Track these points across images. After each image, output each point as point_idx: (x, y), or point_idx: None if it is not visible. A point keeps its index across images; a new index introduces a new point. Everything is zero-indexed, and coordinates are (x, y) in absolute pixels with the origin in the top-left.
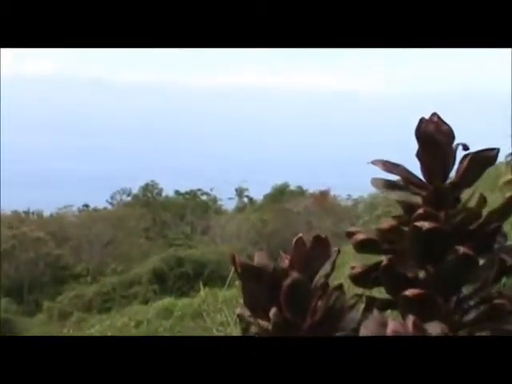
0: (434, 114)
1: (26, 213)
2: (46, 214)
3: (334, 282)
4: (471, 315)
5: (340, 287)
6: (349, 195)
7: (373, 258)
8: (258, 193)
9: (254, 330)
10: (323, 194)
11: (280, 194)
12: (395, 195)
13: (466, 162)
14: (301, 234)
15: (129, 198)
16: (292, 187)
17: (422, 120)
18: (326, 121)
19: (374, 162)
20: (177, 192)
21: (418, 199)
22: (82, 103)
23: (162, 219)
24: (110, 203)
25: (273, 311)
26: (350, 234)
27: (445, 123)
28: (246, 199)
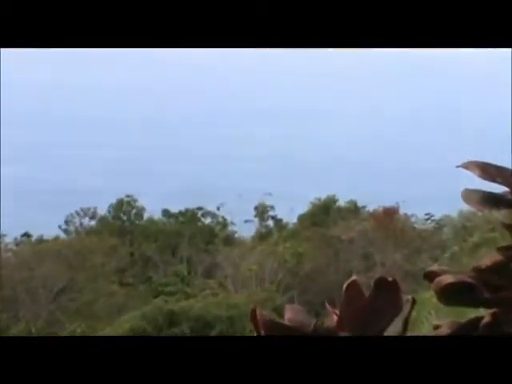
0: None
1: None
2: None
3: None
4: None
5: None
6: (428, 214)
7: (467, 313)
8: (288, 212)
9: None
10: (388, 213)
11: (323, 212)
12: (501, 215)
13: None
14: (355, 277)
15: (93, 223)
16: (341, 203)
17: None
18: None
19: (467, 166)
20: (166, 212)
21: None
22: None
23: (144, 254)
24: (65, 230)
25: None
26: (430, 275)
27: None
28: (270, 222)
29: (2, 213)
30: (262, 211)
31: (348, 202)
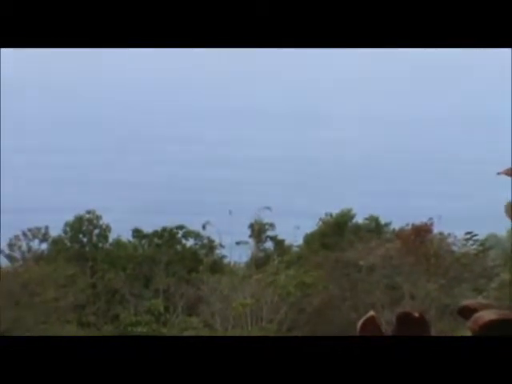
0: None
1: None
2: None
3: None
4: None
5: None
6: (470, 234)
7: None
8: (292, 231)
9: None
10: (419, 233)
11: (336, 232)
12: None
13: None
14: (372, 312)
15: (44, 246)
16: (359, 219)
17: None
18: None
19: (510, 172)
20: (137, 232)
21: None
22: None
23: (110, 285)
24: (8, 256)
25: None
26: (466, 311)
27: None
28: (269, 244)
29: None
30: (258, 230)
31: (367, 219)
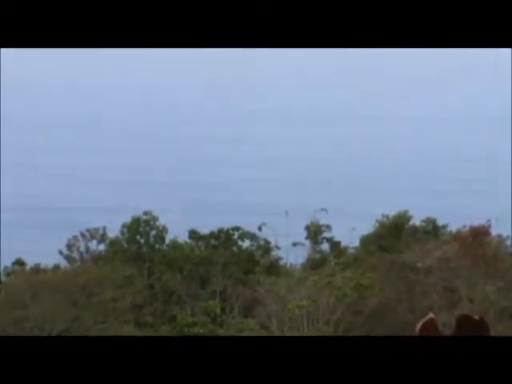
0: None
1: None
2: None
3: None
4: None
5: None
6: None
7: None
8: (348, 233)
9: None
10: (477, 235)
11: (393, 234)
12: None
13: None
14: (431, 315)
15: (102, 247)
16: (416, 221)
17: None
18: None
19: None
20: (193, 233)
21: None
22: None
23: (167, 286)
24: (67, 257)
25: None
26: None
27: None
28: (325, 245)
29: None
30: (314, 232)
31: (424, 221)
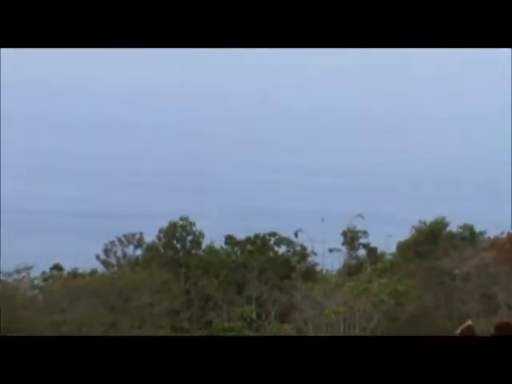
0: None
1: None
2: None
3: None
4: None
5: None
6: None
7: None
8: (385, 239)
9: None
10: None
11: (430, 240)
12: None
13: None
14: (470, 321)
15: (138, 252)
16: (453, 227)
17: None
18: None
19: None
20: (230, 239)
21: None
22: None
23: (203, 291)
24: (104, 262)
25: None
26: None
27: None
28: (362, 251)
29: (26, 240)
30: (351, 238)
31: (462, 227)
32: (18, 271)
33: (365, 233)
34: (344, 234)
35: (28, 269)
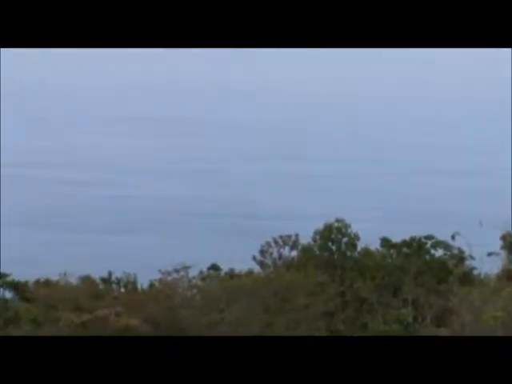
0: None
1: (107, 281)
2: (141, 281)
3: None
4: None
5: None
6: None
7: None
8: None
9: None
10: None
11: None
12: None
13: None
14: None
15: (294, 254)
16: None
17: None
18: None
19: None
20: (386, 242)
21: None
22: None
23: (359, 294)
24: (260, 263)
25: None
26: None
27: None
28: None
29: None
30: (510, 242)
31: None
32: (176, 270)
33: None
34: (503, 237)
35: (186, 268)
